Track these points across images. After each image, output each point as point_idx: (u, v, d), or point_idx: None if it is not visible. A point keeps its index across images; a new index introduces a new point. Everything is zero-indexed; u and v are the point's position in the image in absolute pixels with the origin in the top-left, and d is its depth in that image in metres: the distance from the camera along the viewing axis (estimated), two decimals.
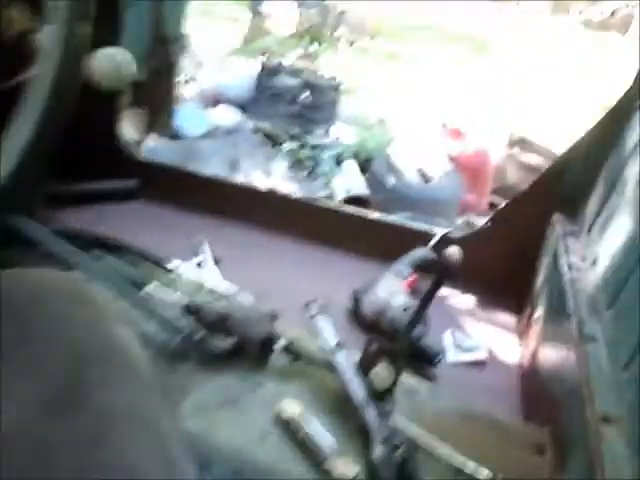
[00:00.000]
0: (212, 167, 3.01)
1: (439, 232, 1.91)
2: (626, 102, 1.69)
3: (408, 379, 1.31)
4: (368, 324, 1.69)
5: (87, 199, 1.93)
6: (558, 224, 1.73)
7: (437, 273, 1.19)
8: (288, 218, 1.96)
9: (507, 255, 1.85)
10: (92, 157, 1.87)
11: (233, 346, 1.21)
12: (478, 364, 1.66)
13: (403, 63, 5.89)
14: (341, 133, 3.67)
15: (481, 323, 1.80)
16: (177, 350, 1.20)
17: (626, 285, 1.32)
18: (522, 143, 3.47)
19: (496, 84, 5.21)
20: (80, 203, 1.92)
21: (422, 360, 1.60)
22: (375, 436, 1.13)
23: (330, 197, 3.21)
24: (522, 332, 1.77)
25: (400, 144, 3.39)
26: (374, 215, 2.09)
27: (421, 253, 1.85)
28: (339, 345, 1.23)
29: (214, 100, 3.77)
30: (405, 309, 1.66)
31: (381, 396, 1.21)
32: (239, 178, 2.91)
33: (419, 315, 1.31)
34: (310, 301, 1.31)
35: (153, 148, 2.75)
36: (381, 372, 1.21)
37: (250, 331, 1.22)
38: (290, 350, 1.24)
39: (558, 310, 1.50)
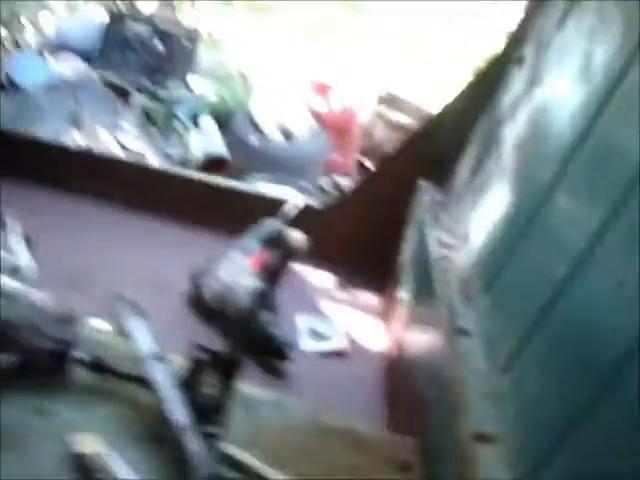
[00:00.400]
0: (50, 123, 2.65)
1: (294, 202, 1.65)
2: (498, 62, 1.49)
3: (248, 389, 1.06)
4: (210, 312, 1.43)
5: None
6: (425, 193, 1.52)
7: (281, 255, 0.94)
8: (120, 186, 1.67)
9: (370, 228, 1.64)
10: None
11: (13, 364, 0.93)
12: (338, 354, 1.44)
13: (272, 15, 5.58)
14: (198, 87, 3.36)
15: (341, 305, 1.58)
16: None
17: (503, 268, 1.12)
18: (391, 100, 3.27)
19: (369, 40, 5.00)
20: None
21: (270, 354, 1.37)
22: (197, 470, 0.88)
23: (185, 158, 2.92)
24: (386, 315, 1.56)
25: (263, 100, 3.13)
26: (220, 181, 1.83)
27: (272, 226, 1.60)
28: (156, 354, 0.97)
29: (56, 48, 3.37)
30: (252, 292, 1.41)
31: (209, 417, 0.96)
32: (80, 136, 2.56)
33: (263, 300, 1.07)
34: (118, 296, 1.03)
35: None
36: (208, 387, 0.95)
37: (37, 342, 0.93)
38: (93, 363, 0.96)
39: (425, 292, 1.30)
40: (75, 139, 2.58)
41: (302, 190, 2.71)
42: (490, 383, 0.99)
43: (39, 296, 1.03)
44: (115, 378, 0.98)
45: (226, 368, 0.98)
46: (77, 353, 0.97)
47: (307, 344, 1.44)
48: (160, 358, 0.98)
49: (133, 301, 1.03)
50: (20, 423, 0.91)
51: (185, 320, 1.42)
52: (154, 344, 0.99)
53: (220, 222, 1.67)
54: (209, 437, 0.94)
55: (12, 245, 1.46)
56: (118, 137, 2.91)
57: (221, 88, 3.44)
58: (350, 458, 1.04)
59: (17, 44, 3.20)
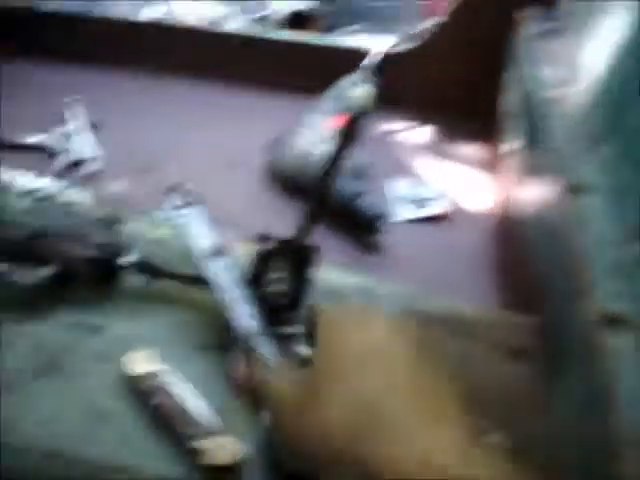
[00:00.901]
0: None
1: (380, 50, 1.44)
2: None
3: (331, 275, 0.91)
4: (288, 185, 1.28)
5: None
6: (527, 21, 1.28)
7: (353, 115, 0.76)
8: (193, 57, 1.51)
9: (467, 69, 1.43)
10: None
11: (51, 276, 0.81)
12: (437, 219, 1.26)
13: None
14: None
15: (440, 162, 1.39)
16: None
17: (631, 106, 0.89)
18: None
19: None
20: None
21: (359, 227, 1.21)
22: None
23: (269, 17, 2.71)
24: (492, 169, 1.36)
25: None
26: (299, 38, 1.63)
27: (351, 81, 1.41)
28: (218, 249, 0.83)
29: None
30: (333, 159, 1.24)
31: (282, 316, 0.82)
32: (155, 8, 2.40)
33: (334, 166, 0.90)
34: (174, 185, 0.88)
35: None
36: (279, 281, 0.81)
37: (76, 248, 0.81)
38: (144, 266, 0.83)
39: (535, 141, 1.09)
40: (151, 12, 2.43)
41: (397, 38, 2.48)
42: (619, 252, 0.79)
43: (81, 197, 0.89)
44: (170, 281, 0.85)
45: (299, 257, 0.83)
46: (126, 258, 0.84)
47: (402, 212, 1.27)
48: (222, 253, 0.84)
49: (192, 190, 0.88)
50: (67, 343, 0.80)
51: (263, 200, 1.27)
52: (216, 237, 0.84)
53: (300, 84, 1.49)
54: (283, 339, 0.81)
55: (77, 134, 1.35)
56: (196, 4, 2.73)
57: None
58: (455, 347, 0.88)
59: None
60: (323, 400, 0.56)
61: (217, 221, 1.17)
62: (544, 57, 1.17)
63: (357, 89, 0.70)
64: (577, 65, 1.10)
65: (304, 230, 0.81)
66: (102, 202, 1.11)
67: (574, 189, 0.90)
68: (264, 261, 0.82)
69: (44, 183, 0.91)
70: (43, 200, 0.90)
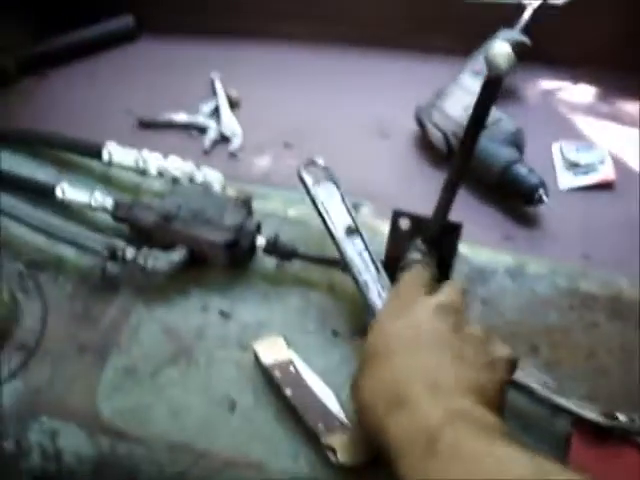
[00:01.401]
0: None
1: (531, 2, 1.32)
2: None
3: (479, 254, 0.84)
4: (442, 156, 1.20)
5: (78, 51, 1.51)
6: None
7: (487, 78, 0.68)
8: (324, 20, 1.45)
9: (625, 18, 1.27)
10: None
11: (183, 260, 0.78)
12: (602, 186, 1.14)
13: None
14: None
15: (604, 122, 1.25)
16: (104, 277, 0.79)
17: None
18: None
19: None
20: (73, 57, 1.50)
21: (516, 198, 1.11)
22: None
23: None
24: None
25: None
26: None
27: (507, 37, 1.29)
28: (353, 228, 0.77)
29: None
30: (487, 126, 1.16)
31: None
32: None
33: (475, 131, 0.81)
34: (309, 161, 0.83)
35: None
36: (413, 263, 0.74)
37: (208, 232, 0.78)
38: (276, 248, 0.79)
39: None
40: None
41: None
42: None
43: (216, 177, 0.86)
44: (305, 263, 0.81)
45: (439, 236, 0.76)
46: (259, 240, 0.81)
47: (564, 179, 1.15)
48: (358, 233, 0.78)
49: (325, 167, 0.83)
50: (197, 328, 0.77)
51: (412, 172, 1.19)
52: (352, 216, 0.79)
53: (450, 42, 1.40)
54: None
55: (218, 112, 1.33)
56: None
57: None
58: (615, 335, 0.78)
59: None
60: (366, 372, 0.58)
61: (359, 196, 1.13)
62: None
63: (494, 47, 0.61)
64: None
65: (444, 205, 0.74)
66: (239, 181, 1.09)
67: None
68: (400, 241, 0.76)
69: (179, 163, 0.89)
70: (177, 181, 0.88)
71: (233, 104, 1.36)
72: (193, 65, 1.47)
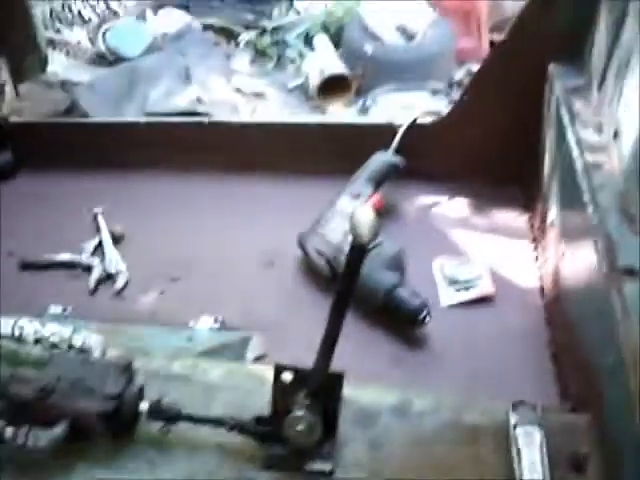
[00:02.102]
0: (163, 85, 2.55)
1: (402, 124, 1.38)
2: None
3: (362, 393, 0.85)
4: (325, 278, 1.22)
5: None
6: (557, 79, 1.20)
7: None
8: (203, 153, 1.47)
9: (499, 134, 1.34)
10: None
11: (64, 434, 0.76)
12: (483, 301, 1.18)
13: None
14: (304, 7, 3.11)
15: (481, 235, 1.31)
16: None
17: None
18: None
19: None
20: None
21: (401, 320, 1.14)
22: None
23: (303, 85, 2.71)
24: (537, 239, 1.28)
25: (374, 2, 2.82)
26: (314, 120, 1.58)
27: (382, 160, 1.35)
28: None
29: (155, 5, 3.23)
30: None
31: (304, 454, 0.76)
32: (194, 92, 2.43)
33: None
34: None
35: (90, 83, 2.28)
36: (297, 420, 0.74)
37: (88, 403, 0.76)
38: (160, 412, 0.78)
39: (575, 212, 1.01)
40: (190, 96, 2.44)
41: (434, 92, 2.43)
42: None
43: (94, 340, 0.85)
44: (191, 425, 0.80)
45: (323, 387, 0.77)
46: (141, 405, 0.79)
47: (445, 296, 1.19)
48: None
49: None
50: None
51: (298, 301, 1.21)
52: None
53: (330, 167, 1.44)
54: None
55: (102, 248, 1.32)
56: (233, 82, 2.76)
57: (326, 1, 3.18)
58: (500, 467, 0.80)
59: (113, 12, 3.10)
60: None
61: (249, 328, 1.13)
62: (574, 118, 1.09)
63: (357, 215, 0.64)
64: (609, 127, 1.02)
65: (325, 354, 0.75)
66: (125, 322, 1.08)
67: (617, 274, 0.82)
68: (285, 394, 0.76)
69: (56, 329, 0.88)
70: (56, 346, 0.86)
71: (117, 239, 1.36)
72: (75, 200, 1.47)
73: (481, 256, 1.25)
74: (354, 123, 1.54)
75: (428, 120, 1.41)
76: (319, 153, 1.46)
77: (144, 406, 0.79)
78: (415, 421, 0.83)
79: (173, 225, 1.38)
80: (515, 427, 0.80)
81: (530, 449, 0.77)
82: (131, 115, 1.99)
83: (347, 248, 1.13)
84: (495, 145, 1.35)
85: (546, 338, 1.10)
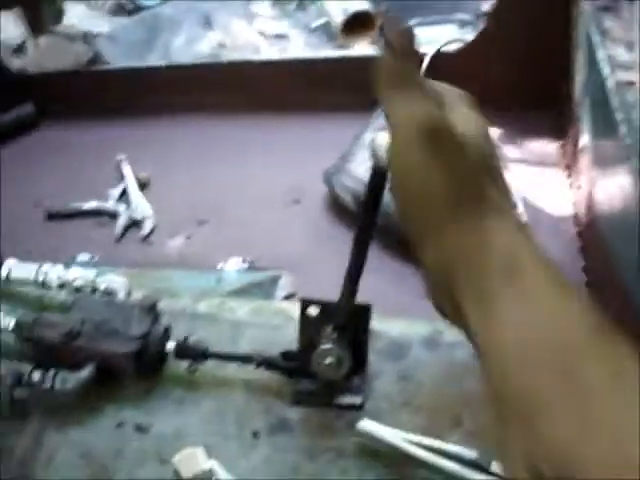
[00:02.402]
0: (184, 33, 2.50)
1: (427, 53, 1.34)
2: None
3: (390, 326, 0.83)
4: (351, 214, 1.20)
5: None
6: None
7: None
8: (224, 94, 1.45)
9: (526, 59, 1.30)
10: None
11: (92, 377, 0.76)
12: None
13: None
14: None
15: (511, 167, 1.27)
16: (13, 405, 0.76)
17: None
18: None
19: None
20: None
21: None
22: None
23: (326, 25, 2.64)
24: (570, 166, 1.24)
25: None
26: (335, 54, 1.54)
27: None
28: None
29: None
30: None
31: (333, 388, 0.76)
32: (216, 36, 2.38)
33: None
34: None
35: (111, 34, 2.25)
36: (325, 354, 0.73)
37: (114, 344, 0.76)
38: (188, 351, 0.78)
39: (608, 134, 0.97)
40: (213, 41, 2.40)
41: (462, 25, 2.36)
42: None
43: (119, 282, 0.84)
44: (218, 362, 0.79)
45: (350, 321, 0.75)
46: (168, 344, 0.79)
47: None
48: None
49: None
50: (115, 447, 0.75)
51: (325, 238, 1.19)
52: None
53: (353, 100, 1.41)
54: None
55: (128, 194, 1.31)
56: (255, 25, 2.70)
57: None
58: None
59: None
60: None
61: (277, 267, 1.12)
62: (605, 37, 1.04)
63: (377, 139, 0.62)
64: None
65: (350, 286, 0.74)
66: (153, 266, 1.08)
67: None
68: (312, 329, 0.75)
69: (80, 273, 0.87)
70: (80, 290, 0.86)
71: (142, 185, 1.34)
72: (99, 148, 1.46)
73: (513, 185, 1.21)
74: (378, 55, 1.49)
75: (452, 48, 1.36)
76: (342, 88, 1.43)
77: (170, 346, 0.78)
78: (446, 353, 0.82)
79: (197, 169, 1.36)
80: None
81: None
82: None
83: None
84: (523, 71, 1.31)
85: (580, 266, 1.06)
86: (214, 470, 0.70)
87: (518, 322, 0.40)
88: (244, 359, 0.77)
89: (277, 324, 0.83)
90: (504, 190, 0.48)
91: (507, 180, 0.48)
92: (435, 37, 2.13)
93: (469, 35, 2.04)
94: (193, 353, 0.78)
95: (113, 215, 1.29)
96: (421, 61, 1.29)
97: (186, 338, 0.79)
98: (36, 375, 0.76)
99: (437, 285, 0.46)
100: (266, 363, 0.76)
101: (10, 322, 0.80)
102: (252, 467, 0.71)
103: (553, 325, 0.39)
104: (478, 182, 0.45)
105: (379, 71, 0.49)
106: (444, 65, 1.33)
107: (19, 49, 1.58)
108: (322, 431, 0.73)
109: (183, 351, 0.78)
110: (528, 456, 0.35)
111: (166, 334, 0.79)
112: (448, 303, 0.45)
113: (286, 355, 0.76)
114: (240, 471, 0.71)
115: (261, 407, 0.76)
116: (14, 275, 0.87)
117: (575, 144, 1.19)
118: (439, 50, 1.35)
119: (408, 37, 0.49)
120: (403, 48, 0.49)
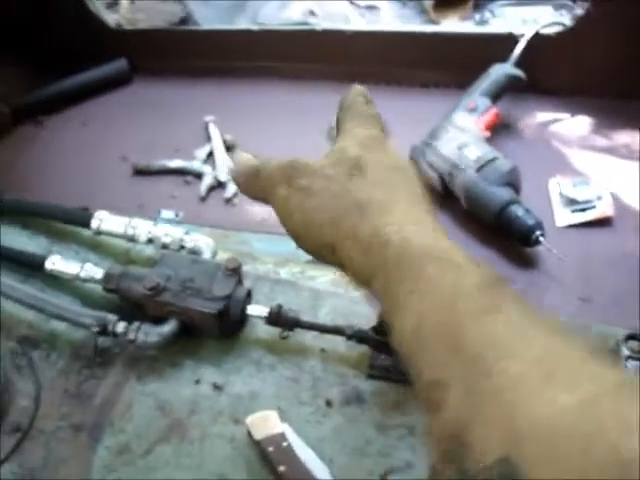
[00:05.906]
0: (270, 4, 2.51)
1: (523, 34, 1.31)
2: None
3: None
4: (436, 194, 1.19)
5: (73, 97, 1.51)
6: None
7: None
8: (314, 62, 1.45)
9: (625, 48, 1.25)
10: (64, 40, 1.50)
11: (174, 331, 0.78)
12: (601, 223, 1.13)
13: None
14: None
15: (600, 155, 1.24)
16: (96, 353, 0.79)
17: None
18: None
19: None
20: (68, 103, 1.51)
21: (514, 239, 1.10)
22: None
23: None
24: None
25: None
26: (429, 29, 1.52)
27: (500, 72, 1.29)
28: None
29: None
30: (482, 166, 1.15)
31: None
32: (305, 3, 2.37)
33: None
34: None
35: None
36: None
37: (198, 303, 0.77)
38: (280, 320, 0.79)
39: None
40: (303, 8, 2.40)
41: (558, 7, 2.30)
42: None
43: (205, 242, 0.85)
44: (299, 330, 0.80)
45: None
46: (251, 308, 0.80)
47: (561, 216, 1.14)
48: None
49: None
50: (190, 403, 0.77)
51: None
52: None
53: (444, 78, 1.39)
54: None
55: (215, 156, 1.33)
56: None
57: None
58: None
59: None
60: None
61: None
62: None
63: None
64: None
65: None
66: (236, 229, 1.09)
67: None
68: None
69: (168, 230, 0.89)
70: (167, 247, 0.87)
71: (229, 148, 1.35)
72: (188, 108, 1.47)
73: (600, 177, 1.18)
74: (471, 33, 1.46)
75: (552, 31, 1.33)
76: (434, 64, 1.41)
77: (252, 309, 0.80)
78: None
79: (284, 135, 1.37)
80: (627, 360, 0.76)
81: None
82: None
83: (461, 163, 1.12)
84: (621, 60, 1.27)
85: None
86: (286, 434, 0.71)
87: (414, 310, 0.42)
88: (335, 331, 0.78)
89: (355, 296, 0.83)
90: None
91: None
92: (531, 17, 2.08)
93: (565, 18, 2.00)
94: (285, 321, 0.79)
95: (198, 175, 1.31)
96: None
97: (280, 306, 0.80)
98: (120, 326, 0.78)
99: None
100: (358, 336, 0.76)
101: (98, 273, 0.82)
102: (322, 435, 0.72)
103: (442, 304, 0.41)
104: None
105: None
106: (542, 47, 1.30)
107: (113, 3, 1.61)
108: (395, 407, 0.74)
109: (276, 318, 0.79)
110: (434, 436, 0.38)
111: (248, 297, 0.80)
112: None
113: (377, 329, 0.76)
114: (310, 438, 0.71)
115: (337, 377, 0.77)
116: (104, 227, 0.89)
117: None
118: (537, 32, 1.32)
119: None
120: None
